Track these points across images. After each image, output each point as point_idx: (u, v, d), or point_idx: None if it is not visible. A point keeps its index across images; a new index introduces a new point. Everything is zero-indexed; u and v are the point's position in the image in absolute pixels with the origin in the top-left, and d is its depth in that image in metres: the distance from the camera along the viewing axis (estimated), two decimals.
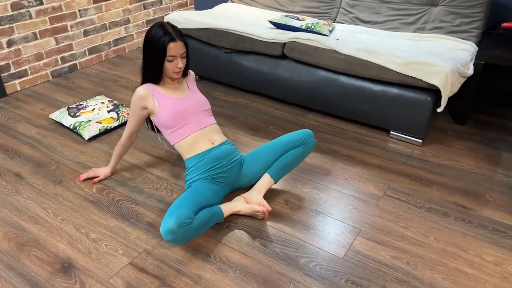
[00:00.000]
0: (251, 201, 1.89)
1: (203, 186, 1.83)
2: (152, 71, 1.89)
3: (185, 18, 2.94)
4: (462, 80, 2.34)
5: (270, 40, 2.64)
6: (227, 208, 1.85)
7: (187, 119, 1.91)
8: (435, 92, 2.27)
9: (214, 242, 1.75)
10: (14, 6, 2.91)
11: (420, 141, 2.42)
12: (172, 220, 1.56)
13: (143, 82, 1.96)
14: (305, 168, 2.23)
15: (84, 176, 2.13)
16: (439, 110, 2.23)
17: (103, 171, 2.14)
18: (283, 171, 1.97)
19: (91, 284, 1.56)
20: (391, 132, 2.50)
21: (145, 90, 1.90)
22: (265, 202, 1.86)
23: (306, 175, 2.18)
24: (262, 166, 1.97)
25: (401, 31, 2.88)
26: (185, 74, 2.00)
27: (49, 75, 3.28)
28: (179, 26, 2.99)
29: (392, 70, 2.27)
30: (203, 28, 2.90)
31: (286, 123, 2.67)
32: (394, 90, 2.36)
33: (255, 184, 1.97)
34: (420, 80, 2.20)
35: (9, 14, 2.90)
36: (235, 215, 1.89)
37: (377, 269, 1.63)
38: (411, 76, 2.22)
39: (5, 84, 3.00)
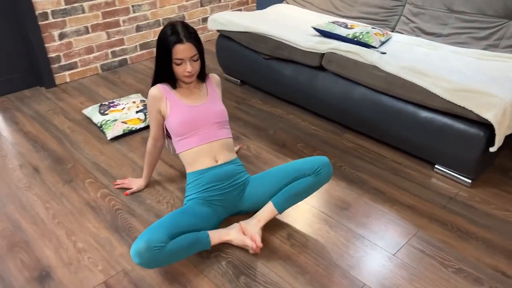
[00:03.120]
0: (247, 231, 1.70)
1: (193, 208, 1.68)
2: (162, 75, 1.77)
3: (227, 20, 2.80)
4: None
5: (308, 49, 2.39)
6: (216, 236, 1.68)
7: (196, 129, 1.75)
8: (490, 126, 1.87)
9: (196, 272, 1.60)
10: (68, 0, 2.99)
11: (470, 181, 2.03)
12: (141, 243, 1.43)
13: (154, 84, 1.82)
14: (322, 197, 1.98)
15: (119, 185, 2.07)
16: (492, 149, 1.83)
17: (136, 183, 2.04)
18: (290, 201, 1.75)
19: None
20: (435, 166, 2.14)
21: (158, 90, 1.77)
22: (257, 237, 1.66)
23: (321, 206, 1.93)
24: (266, 192, 1.77)
25: (468, 47, 2.45)
26: (201, 78, 1.85)
27: (99, 68, 3.35)
28: (220, 27, 2.85)
29: (439, 96, 1.91)
30: (243, 32, 2.73)
31: (317, 142, 2.42)
32: (442, 119, 1.99)
33: (258, 210, 1.78)
34: (471, 111, 1.82)
35: (62, 8, 2.99)
36: (228, 244, 1.72)
37: None
38: (461, 106, 1.85)
39: (55, 75, 3.12)
